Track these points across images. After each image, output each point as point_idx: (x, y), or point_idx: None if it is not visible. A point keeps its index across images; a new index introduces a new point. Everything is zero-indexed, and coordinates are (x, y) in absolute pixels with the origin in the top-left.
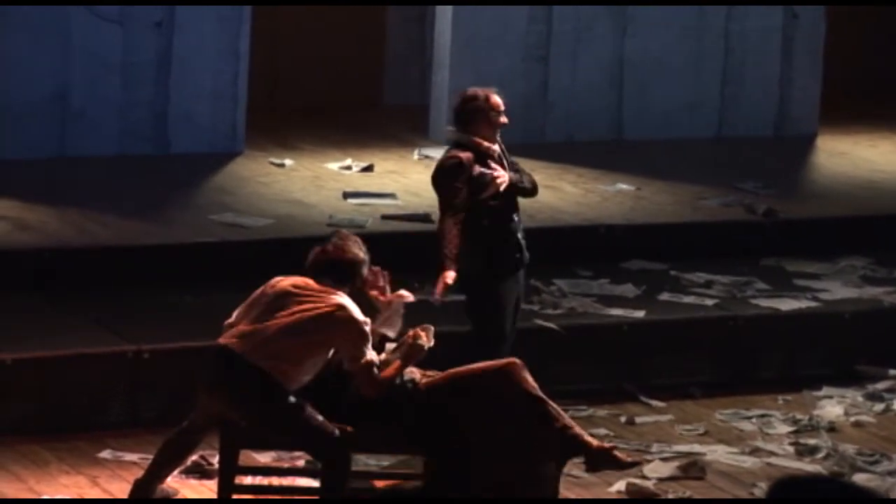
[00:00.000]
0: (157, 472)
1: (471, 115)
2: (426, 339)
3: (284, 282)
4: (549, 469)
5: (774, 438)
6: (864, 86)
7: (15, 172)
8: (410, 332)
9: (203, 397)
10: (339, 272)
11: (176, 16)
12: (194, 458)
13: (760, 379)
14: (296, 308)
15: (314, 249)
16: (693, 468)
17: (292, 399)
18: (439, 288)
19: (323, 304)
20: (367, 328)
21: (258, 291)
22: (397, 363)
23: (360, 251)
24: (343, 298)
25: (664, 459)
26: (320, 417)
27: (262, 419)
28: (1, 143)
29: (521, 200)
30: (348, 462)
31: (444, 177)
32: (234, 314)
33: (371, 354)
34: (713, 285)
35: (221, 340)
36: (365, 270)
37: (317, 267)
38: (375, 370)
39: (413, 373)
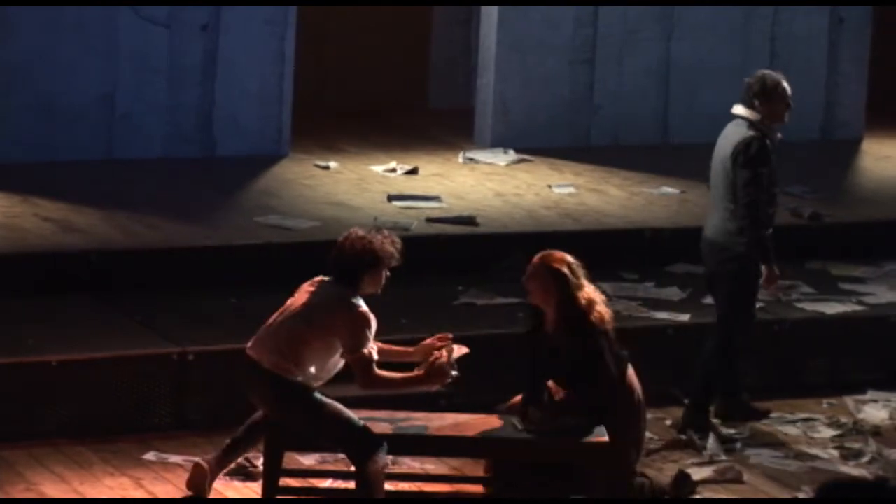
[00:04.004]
0: (233, 450)
1: (770, 98)
2: (449, 368)
3: (305, 284)
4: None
5: (819, 442)
6: None
7: (62, 174)
8: (437, 356)
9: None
10: (344, 269)
11: (222, 19)
12: (239, 460)
13: (805, 383)
14: (300, 303)
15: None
16: (730, 472)
17: (312, 396)
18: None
19: (324, 295)
20: (371, 320)
21: None
22: (412, 375)
23: (369, 249)
24: (347, 289)
25: (705, 464)
26: (347, 413)
27: (289, 420)
28: (48, 145)
29: (568, 204)
30: (377, 452)
31: (756, 158)
32: None
33: (370, 348)
34: None
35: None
36: (378, 269)
37: (330, 264)
38: (374, 366)
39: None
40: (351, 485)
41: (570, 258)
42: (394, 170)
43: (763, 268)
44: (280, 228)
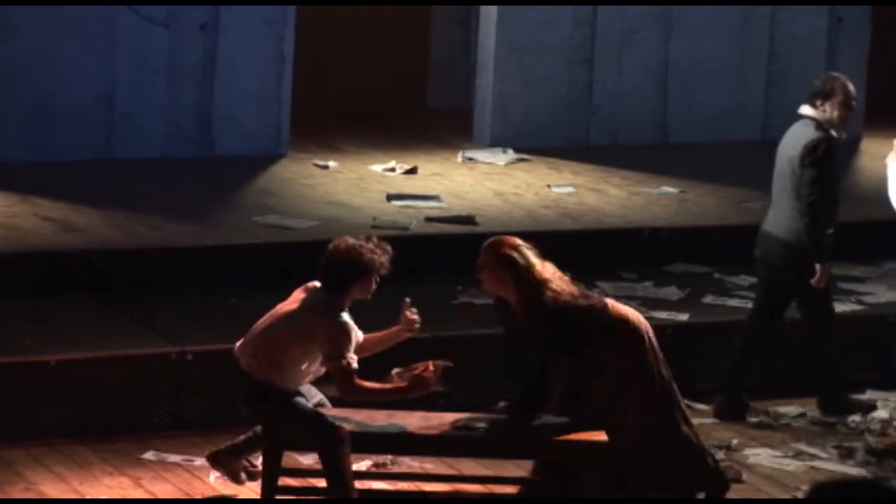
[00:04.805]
0: (241, 447)
1: (828, 98)
2: (433, 380)
3: (297, 289)
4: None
5: (818, 442)
6: None
7: (61, 174)
8: (422, 366)
9: None
10: (333, 278)
11: (221, 18)
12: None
13: (804, 382)
14: (285, 309)
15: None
16: (729, 471)
17: (282, 397)
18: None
19: (309, 303)
20: (351, 330)
21: None
22: (394, 386)
23: (356, 256)
24: (335, 298)
25: None
26: (313, 410)
27: (266, 421)
28: (47, 145)
29: (567, 204)
30: (343, 445)
31: (823, 159)
32: None
33: (350, 357)
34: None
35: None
36: (367, 278)
37: (318, 272)
38: (354, 376)
39: None
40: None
41: (517, 241)
42: (393, 169)
43: (818, 266)
44: (279, 228)
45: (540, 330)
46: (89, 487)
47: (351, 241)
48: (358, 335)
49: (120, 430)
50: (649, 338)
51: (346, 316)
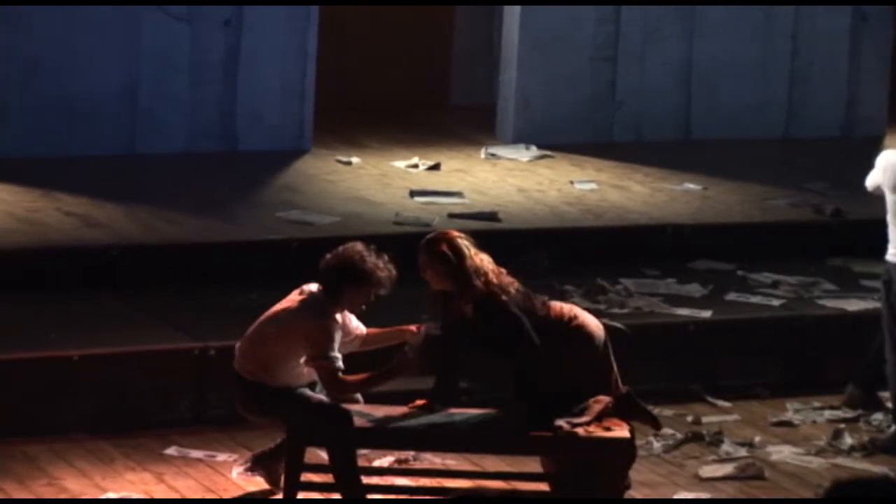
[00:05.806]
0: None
1: None
2: (413, 353)
3: (296, 289)
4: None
5: (841, 439)
6: None
7: (83, 169)
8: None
9: None
10: (327, 274)
11: (244, 15)
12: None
13: (827, 380)
14: (278, 307)
15: None
16: (751, 469)
17: (276, 395)
18: None
19: (299, 302)
20: (332, 330)
21: None
22: (378, 372)
23: (358, 262)
24: (320, 298)
25: (726, 460)
26: (316, 399)
27: (257, 417)
28: (70, 140)
29: (590, 201)
30: (350, 428)
31: None
32: None
33: (333, 356)
34: (780, 285)
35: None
36: (361, 289)
37: (320, 269)
38: (338, 374)
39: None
40: (372, 480)
41: (452, 234)
42: (416, 165)
43: None
44: (302, 224)
45: (478, 322)
46: (111, 482)
47: (360, 246)
48: (360, 329)
49: (142, 425)
50: (599, 344)
51: (329, 317)
